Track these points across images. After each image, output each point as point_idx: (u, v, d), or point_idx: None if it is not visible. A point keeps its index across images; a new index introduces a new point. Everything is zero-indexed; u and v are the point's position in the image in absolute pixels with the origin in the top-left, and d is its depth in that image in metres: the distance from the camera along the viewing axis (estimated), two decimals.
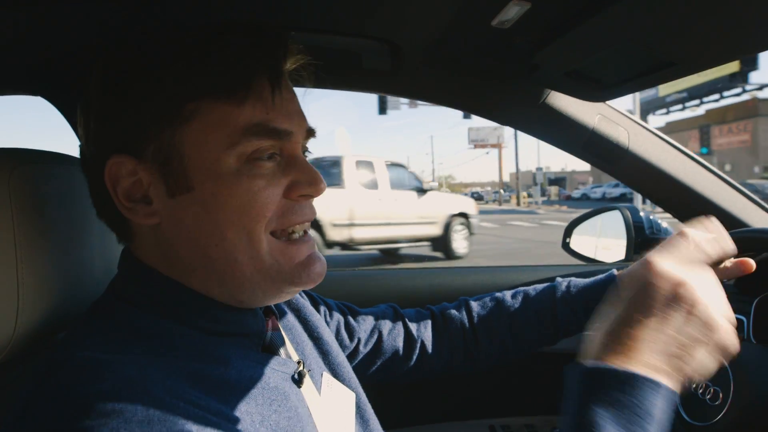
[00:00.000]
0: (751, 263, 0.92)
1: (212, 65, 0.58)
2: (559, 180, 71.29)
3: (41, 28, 0.73)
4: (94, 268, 0.73)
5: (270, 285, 0.61)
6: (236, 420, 0.52)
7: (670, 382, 0.52)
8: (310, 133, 0.66)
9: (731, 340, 0.55)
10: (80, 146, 0.64)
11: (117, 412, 0.44)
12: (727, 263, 0.93)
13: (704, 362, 0.55)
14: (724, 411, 0.78)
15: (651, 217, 1.43)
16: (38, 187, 0.64)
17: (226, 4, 0.73)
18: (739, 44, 0.74)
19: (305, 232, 0.65)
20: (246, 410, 0.54)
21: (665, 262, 0.57)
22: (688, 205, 1.20)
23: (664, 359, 0.53)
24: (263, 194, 0.59)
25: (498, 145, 48.27)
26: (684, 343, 0.54)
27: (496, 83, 1.12)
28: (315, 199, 0.66)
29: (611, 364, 0.53)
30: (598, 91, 1.00)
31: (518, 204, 40.87)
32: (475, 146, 48.04)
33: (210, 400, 0.51)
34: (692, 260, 0.59)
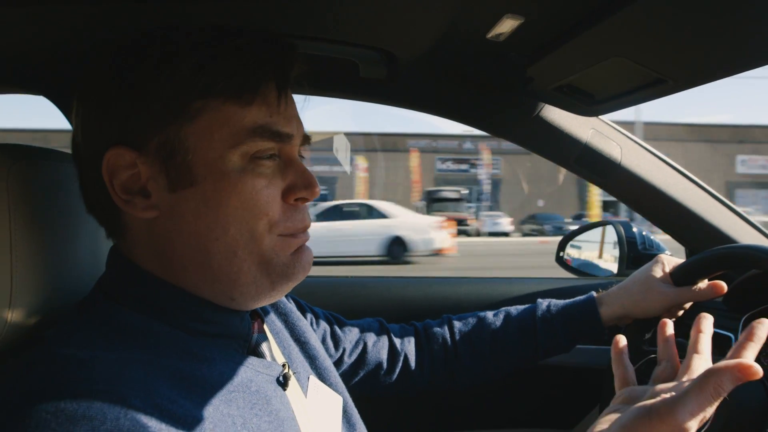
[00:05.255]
0: (722, 286, 0.94)
1: (224, 66, 0.59)
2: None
3: (46, 27, 0.74)
4: (91, 265, 0.73)
5: (265, 279, 0.62)
6: (217, 423, 0.52)
7: None
8: (306, 139, 0.68)
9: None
10: (73, 137, 0.63)
11: (86, 418, 0.44)
12: (701, 285, 0.95)
13: None
14: (707, 425, 0.78)
15: (644, 232, 1.44)
16: (36, 183, 0.64)
17: (226, 10, 0.74)
18: (732, 61, 0.75)
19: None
20: (228, 413, 0.54)
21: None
22: (679, 220, 1.21)
23: None
24: (264, 193, 0.60)
25: None
26: None
27: (490, 95, 1.13)
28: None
29: None
30: (591, 105, 1.01)
31: None
32: None
33: (190, 401, 0.51)
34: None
